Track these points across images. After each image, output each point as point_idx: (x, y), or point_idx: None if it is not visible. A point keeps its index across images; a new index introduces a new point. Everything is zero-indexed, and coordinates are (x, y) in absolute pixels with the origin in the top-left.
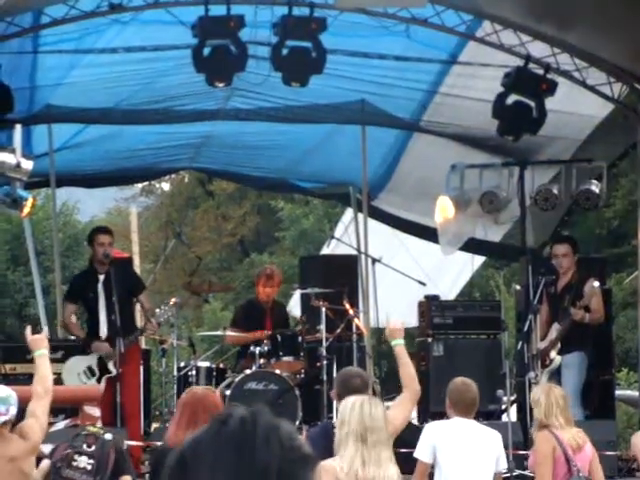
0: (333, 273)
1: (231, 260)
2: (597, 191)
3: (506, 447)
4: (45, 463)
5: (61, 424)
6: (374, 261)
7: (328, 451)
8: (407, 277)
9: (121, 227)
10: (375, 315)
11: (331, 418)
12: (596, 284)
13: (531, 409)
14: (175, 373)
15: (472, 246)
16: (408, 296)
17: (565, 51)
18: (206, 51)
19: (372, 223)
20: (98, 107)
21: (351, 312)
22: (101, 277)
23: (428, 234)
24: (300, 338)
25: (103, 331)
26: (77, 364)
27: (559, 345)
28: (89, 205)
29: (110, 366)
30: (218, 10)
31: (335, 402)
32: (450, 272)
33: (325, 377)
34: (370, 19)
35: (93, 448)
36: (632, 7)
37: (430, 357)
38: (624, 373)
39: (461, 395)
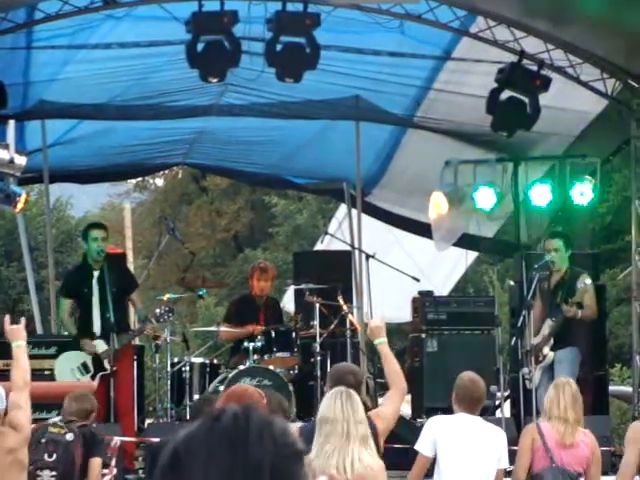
0: (327, 269)
1: (225, 256)
2: (590, 187)
3: None
4: None
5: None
6: (368, 257)
7: None
8: (401, 273)
9: (114, 223)
10: (369, 311)
11: None
12: (588, 281)
13: (525, 405)
14: (169, 369)
15: (466, 242)
16: (402, 292)
17: (559, 47)
18: (200, 47)
19: (366, 219)
20: (91, 103)
21: (345, 308)
22: (95, 273)
23: (422, 230)
24: (294, 334)
25: (97, 327)
26: (71, 359)
27: (552, 341)
28: (82, 201)
29: (105, 363)
30: (212, 6)
31: None
32: (444, 268)
33: (319, 373)
34: (364, 15)
35: (54, 457)
36: (625, 3)
37: (424, 353)
38: (617, 369)
39: (468, 392)
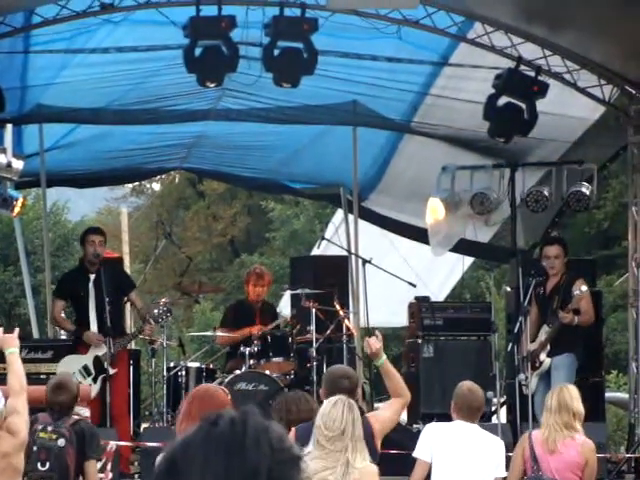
0: (323, 274)
1: (221, 260)
2: (587, 193)
3: None
4: None
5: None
6: (364, 262)
7: None
8: (397, 278)
9: (111, 227)
10: (365, 316)
11: None
12: (584, 288)
13: (522, 411)
14: (165, 373)
15: (462, 247)
16: (398, 297)
17: (556, 53)
18: (197, 51)
19: (362, 224)
20: (89, 107)
21: (341, 313)
22: (92, 277)
23: (419, 235)
24: (290, 339)
25: (93, 330)
26: (73, 363)
27: (548, 347)
28: (79, 205)
29: (107, 366)
30: (209, 10)
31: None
32: (440, 273)
33: (315, 378)
34: (362, 20)
35: (47, 466)
36: (623, 9)
37: (420, 358)
38: (614, 375)
39: (466, 401)
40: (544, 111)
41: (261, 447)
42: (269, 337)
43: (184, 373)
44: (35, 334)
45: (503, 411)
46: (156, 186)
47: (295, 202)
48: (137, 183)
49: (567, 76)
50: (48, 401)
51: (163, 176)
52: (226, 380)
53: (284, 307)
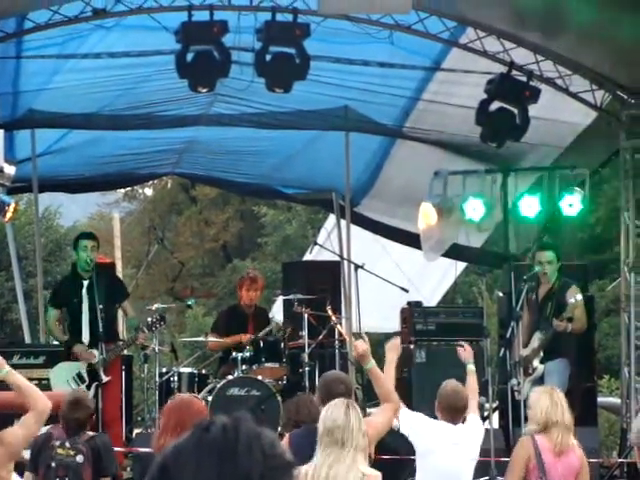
0: (316, 279)
1: (214, 266)
2: (579, 198)
3: (488, 454)
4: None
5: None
6: (357, 267)
7: (312, 453)
8: (389, 283)
9: (104, 232)
10: (357, 321)
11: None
12: (579, 297)
13: (514, 416)
14: (157, 379)
15: (454, 252)
16: (390, 302)
17: (548, 58)
18: (189, 57)
19: (355, 229)
20: (81, 112)
21: (333, 318)
22: (85, 283)
23: (411, 240)
24: (282, 344)
25: (85, 337)
26: (66, 370)
27: (541, 353)
28: (71, 210)
29: (100, 373)
30: (201, 16)
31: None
32: (432, 278)
33: (307, 383)
34: (354, 25)
35: None
36: (615, 15)
37: (412, 363)
38: (606, 380)
39: (450, 402)
40: (536, 116)
41: (253, 453)
42: (261, 342)
43: (176, 379)
44: (27, 339)
45: (495, 416)
46: (148, 191)
47: (287, 207)
48: (129, 188)
49: (559, 81)
50: (64, 417)
51: (155, 181)
52: (218, 385)
53: (276, 312)
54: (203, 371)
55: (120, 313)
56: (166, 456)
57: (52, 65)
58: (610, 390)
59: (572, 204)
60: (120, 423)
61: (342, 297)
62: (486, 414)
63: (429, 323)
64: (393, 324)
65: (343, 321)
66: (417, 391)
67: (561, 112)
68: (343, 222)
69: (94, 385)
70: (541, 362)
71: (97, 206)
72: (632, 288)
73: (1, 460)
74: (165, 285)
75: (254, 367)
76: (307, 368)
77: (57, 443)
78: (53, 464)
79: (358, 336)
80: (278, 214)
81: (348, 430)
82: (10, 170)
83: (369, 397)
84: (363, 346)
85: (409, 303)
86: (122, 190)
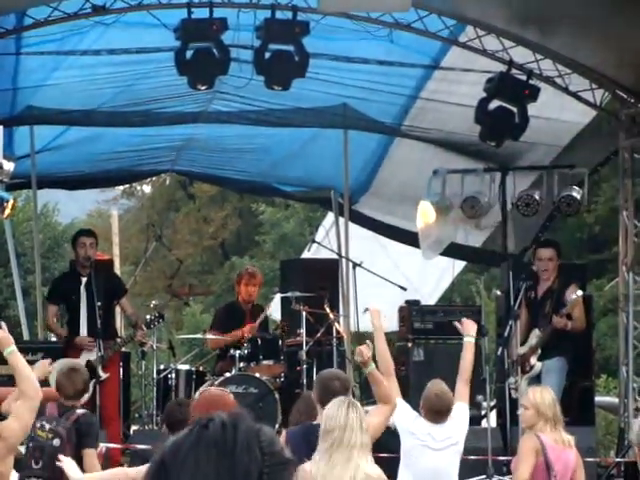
0: (314, 277)
1: (212, 263)
2: (578, 197)
3: (485, 453)
4: None
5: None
6: (355, 265)
7: (310, 453)
8: (388, 282)
9: (102, 229)
10: (355, 319)
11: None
12: (580, 292)
13: (511, 415)
14: (155, 376)
15: (453, 251)
16: (388, 301)
17: (548, 57)
18: (189, 54)
19: (353, 227)
20: (80, 109)
21: (331, 316)
22: (83, 279)
23: (409, 239)
24: (280, 342)
25: (83, 334)
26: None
27: (539, 351)
28: (70, 207)
29: (99, 370)
30: (201, 13)
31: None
32: (431, 277)
33: (305, 381)
34: (353, 23)
35: (40, 464)
36: (615, 13)
37: (410, 362)
38: (603, 380)
39: (433, 406)
40: (535, 115)
41: (252, 451)
42: (259, 340)
43: (174, 376)
44: (25, 336)
45: (493, 415)
46: (147, 188)
47: (285, 205)
48: (127, 185)
49: (558, 80)
50: (60, 385)
51: (153, 178)
52: (216, 382)
53: (274, 310)
54: (201, 368)
55: (118, 310)
56: (164, 452)
57: (51, 61)
58: (607, 389)
59: (571, 203)
60: (118, 420)
61: (340, 295)
62: (483, 413)
63: (427, 321)
64: (391, 323)
65: (341, 319)
66: (415, 389)
67: (560, 111)
68: (341, 220)
69: (92, 382)
70: (539, 360)
71: (95, 203)
72: (630, 288)
73: (1, 454)
74: (163, 282)
75: (252, 364)
76: (305, 366)
77: (38, 425)
78: (31, 444)
79: (363, 341)
80: (276, 212)
81: (349, 429)
82: (9, 166)
83: (366, 395)
84: (368, 353)
85: (407, 302)
86: (120, 187)
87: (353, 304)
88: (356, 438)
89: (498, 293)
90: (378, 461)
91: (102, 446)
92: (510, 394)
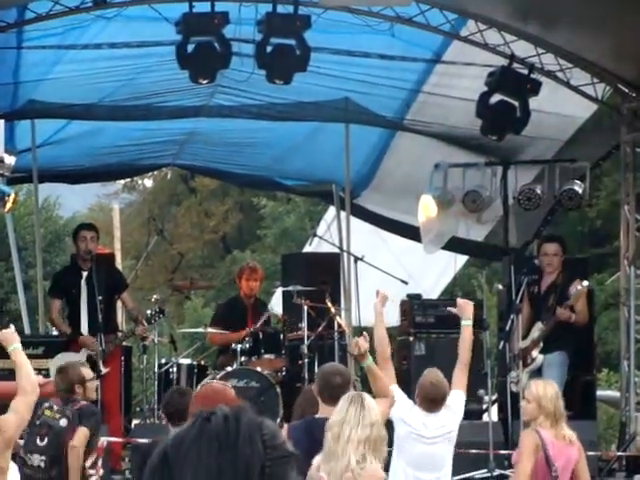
0: (315, 271)
1: (213, 257)
2: (580, 191)
3: (487, 447)
4: None
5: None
6: (356, 259)
7: (312, 447)
8: (389, 276)
9: (103, 223)
10: (357, 313)
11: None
12: (585, 283)
13: (513, 409)
14: (156, 370)
15: (454, 245)
16: (390, 295)
17: (549, 51)
18: (190, 48)
19: (354, 221)
20: (81, 103)
21: (333, 310)
22: (84, 273)
23: (411, 233)
24: (282, 336)
25: (84, 328)
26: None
27: (541, 344)
28: (71, 201)
29: (100, 365)
30: (202, 7)
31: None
32: (433, 271)
33: (307, 375)
34: (354, 17)
35: (45, 441)
36: (616, 8)
37: (412, 356)
38: (604, 374)
39: (428, 394)
40: (537, 109)
41: (254, 444)
42: (261, 334)
43: (175, 370)
44: (26, 330)
45: (494, 409)
46: (148, 182)
47: (287, 199)
48: (129, 179)
49: (560, 74)
50: (55, 385)
51: (155, 172)
52: (217, 377)
53: (275, 304)
54: (202, 362)
55: (119, 304)
56: (167, 445)
57: (53, 55)
58: (609, 383)
59: (572, 197)
60: (119, 414)
61: (342, 289)
62: (485, 407)
63: (428, 315)
64: (392, 317)
65: (342, 313)
66: (416, 383)
67: (562, 105)
68: (343, 214)
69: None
70: (540, 353)
71: (97, 197)
72: (632, 282)
73: None
74: (164, 276)
75: (253, 358)
76: (306, 360)
77: (47, 405)
78: (38, 422)
79: (360, 333)
80: (277, 206)
81: (348, 425)
82: (10, 160)
83: (368, 389)
84: (365, 345)
85: (409, 296)
86: (122, 181)
87: (354, 298)
88: (360, 433)
89: (500, 287)
90: None
91: (103, 440)
92: (511, 388)
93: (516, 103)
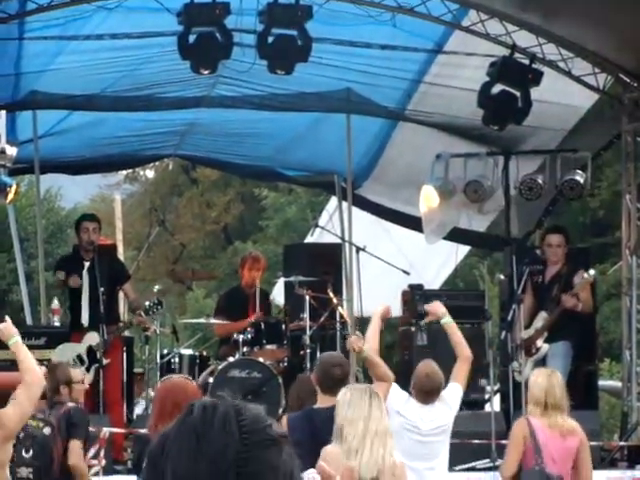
0: (317, 261)
1: (215, 248)
2: (581, 181)
3: (489, 437)
4: None
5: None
6: (358, 250)
7: (312, 436)
8: (391, 266)
9: (105, 214)
10: (359, 304)
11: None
12: (592, 272)
13: (515, 399)
14: (158, 360)
15: (456, 235)
16: (392, 285)
17: (551, 41)
18: (191, 38)
19: (356, 212)
20: (83, 94)
21: (335, 300)
22: (86, 264)
23: (412, 223)
24: (284, 326)
25: (85, 319)
26: (67, 351)
27: (546, 334)
28: (72, 192)
29: (100, 356)
30: None
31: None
32: (434, 261)
33: (308, 365)
34: (356, 8)
35: (31, 453)
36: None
37: (413, 346)
38: (606, 364)
39: (423, 386)
40: (538, 99)
41: (228, 431)
42: (262, 324)
43: (177, 360)
44: (28, 321)
45: (496, 399)
46: (149, 173)
47: (288, 190)
48: (130, 170)
49: (561, 64)
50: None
51: (156, 163)
52: (219, 367)
53: (277, 295)
54: (204, 353)
55: (121, 295)
56: (154, 445)
57: (54, 46)
58: (611, 373)
59: (574, 187)
60: (121, 404)
61: (343, 279)
62: (487, 397)
63: None
64: (394, 307)
65: (344, 303)
66: None
67: (563, 95)
68: (345, 204)
69: (94, 367)
70: (545, 342)
71: (98, 188)
72: (634, 272)
73: None
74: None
75: (255, 349)
76: (308, 350)
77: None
78: (22, 434)
79: (366, 326)
80: (279, 197)
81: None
82: (12, 151)
83: (370, 380)
84: (359, 345)
85: (410, 286)
86: (123, 172)
87: (356, 288)
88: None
89: (501, 277)
90: None
91: (105, 430)
92: (514, 378)
93: (518, 93)
